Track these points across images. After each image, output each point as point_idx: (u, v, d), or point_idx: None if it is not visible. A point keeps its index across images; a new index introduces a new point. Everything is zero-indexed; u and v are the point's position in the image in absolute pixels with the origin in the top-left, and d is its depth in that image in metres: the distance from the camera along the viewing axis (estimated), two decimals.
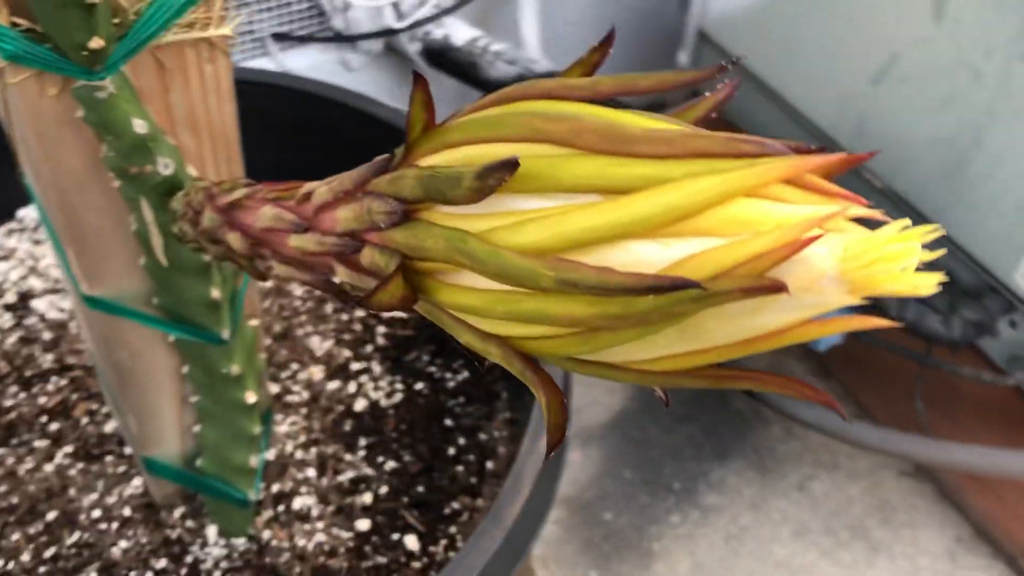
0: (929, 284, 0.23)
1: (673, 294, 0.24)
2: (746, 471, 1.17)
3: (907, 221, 0.23)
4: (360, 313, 0.88)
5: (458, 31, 1.13)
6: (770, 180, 0.24)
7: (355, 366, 0.84)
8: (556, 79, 0.30)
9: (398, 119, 0.87)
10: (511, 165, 0.26)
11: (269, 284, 0.88)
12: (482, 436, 0.80)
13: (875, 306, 0.99)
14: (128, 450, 0.76)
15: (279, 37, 1.12)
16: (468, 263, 0.28)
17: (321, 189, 0.37)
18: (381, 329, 0.87)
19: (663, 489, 1.15)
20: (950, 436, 1.09)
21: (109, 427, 0.78)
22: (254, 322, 0.63)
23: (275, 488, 0.74)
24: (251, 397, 0.62)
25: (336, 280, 0.38)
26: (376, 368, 0.84)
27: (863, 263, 0.23)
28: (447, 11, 1.14)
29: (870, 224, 0.25)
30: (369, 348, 0.86)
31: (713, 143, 0.25)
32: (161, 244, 0.50)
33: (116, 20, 0.41)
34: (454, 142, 0.30)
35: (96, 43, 0.38)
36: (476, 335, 0.31)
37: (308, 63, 1.14)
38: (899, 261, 0.23)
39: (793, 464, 1.18)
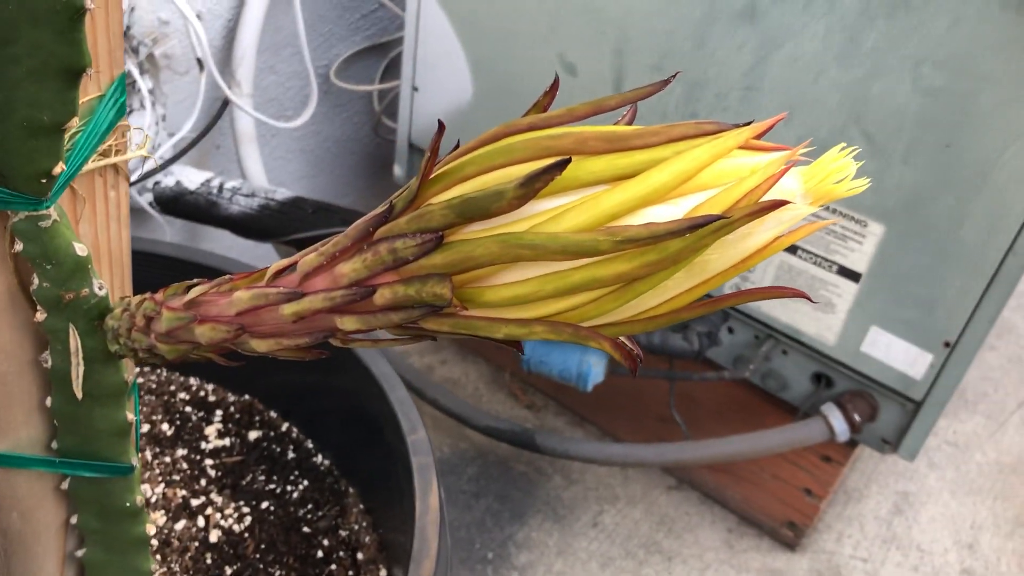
0: (861, 185, 0.34)
1: (700, 230, 0.33)
2: (544, 524, 1.27)
3: (842, 144, 0.34)
4: (181, 451, 0.87)
5: (188, 176, 1.16)
6: (740, 143, 0.35)
7: (195, 502, 0.83)
8: (531, 116, 0.39)
9: (182, 253, 0.89)
10: (562, 165, 0.34)
11: None
12: (343, 533, 0.83)
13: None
14: None
15: None
16: (528, 254, 0.35)
17: (308, 257, 0.43)
18: (208, 462, 0.87)
19: (479, 562, 1.21)
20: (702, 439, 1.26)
21: None
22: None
23: None
24: (152, 528, 0.61)
25: (327, 338, 0.43)
26: (217, 499, 0.83)
27: (818, 182, 0.34)
28: (171, 161, 1.16)
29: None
30: (203, 482, 0.85)
31: (686, 128, 0.36)
32: (81, 375, 0.50)
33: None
34: (468, 175, 0.38)
35: (59, 168, 0.41)
36: (517, 324, 0.38)
37: None
38: (841, 174, 0.34)
39: (581, 506, 1.30)
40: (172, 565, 0.77)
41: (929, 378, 1.02)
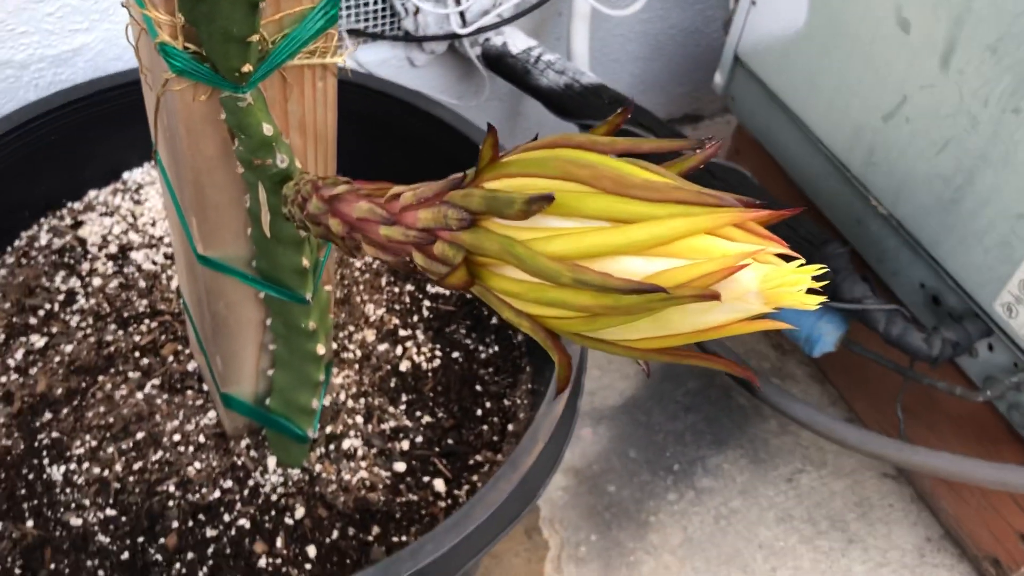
0: (813, 301, 0.35)
1: (649, 295, 0.36)
2: (740, 460, 1.29)
3: (802, 259, 0.35)
4: (409, 287, 1.01)
5: (515, 39, 1.25)
6: (722, 224, 0.36)
7: (402, 332, 0.97)
8: (587, 135, 0.42)
9: (454, 119, 0.99)
10: (548, 198, 0.38)
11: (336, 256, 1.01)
12: (506, 402, 0.93)
13: (863, 320, 1.10)
14: (206, 387, 0.90)
15: (354, 33, 1.25)
16: (514, 262, 0.40)
17: (407, 194, 0.50)
18: (426, 303, 1.00)
19: (663, 469, 1.27)
20: (927, 443, 1.19)
21: (191, 366, 0.91)
22: (328, 287, 0.76)
23: (328, 429, 0.87)
24: (321, 349, 0.75)
25: (411, 263, 0.51)
26: (420, 336, 0.97)
27: (773, 285, 0.35)
28: (506, 21, 1.26)
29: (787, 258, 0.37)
30: (415, 318, 0.98)
31: (687, 194, 0.37)
32: (268, 220, 0.62)
33: (259, 48, 0.53)
34: (511, 173, 0.43)
35: (247, 68, 0.51)
36: (513, 312, 0.43)
37: (378, 58, 1.27)
38: (795, 286, 0.35)
39: (784, 457, 1.30)
40: (364, 377, 0.92)
41: None
